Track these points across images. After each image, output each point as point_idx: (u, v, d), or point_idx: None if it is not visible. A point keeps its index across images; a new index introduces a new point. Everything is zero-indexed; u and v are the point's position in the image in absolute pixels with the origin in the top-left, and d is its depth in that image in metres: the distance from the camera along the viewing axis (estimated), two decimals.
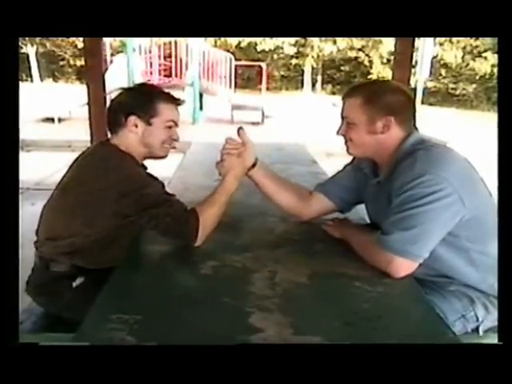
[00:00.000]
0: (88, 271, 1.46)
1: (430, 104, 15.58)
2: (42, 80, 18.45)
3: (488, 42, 15.50)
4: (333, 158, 5.74)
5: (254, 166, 1.52)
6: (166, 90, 1.56)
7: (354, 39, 17.11)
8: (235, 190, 1.48)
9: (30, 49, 17.70)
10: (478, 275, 1.33)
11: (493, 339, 1.32)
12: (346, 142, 1.42)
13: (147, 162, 1.56)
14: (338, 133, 1.42)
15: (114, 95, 1.57)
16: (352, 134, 1.37)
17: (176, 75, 9.81)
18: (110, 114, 1.51)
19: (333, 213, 1.62)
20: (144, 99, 1.47)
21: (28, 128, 6.87)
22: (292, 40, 17.78)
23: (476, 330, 1.35)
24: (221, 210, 1.44)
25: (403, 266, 1.22)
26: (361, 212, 1.64)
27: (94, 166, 1.43)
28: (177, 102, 1.52)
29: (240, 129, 1.47)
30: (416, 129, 1.38)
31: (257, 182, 1.56)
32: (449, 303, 1.30)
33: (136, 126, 1.46)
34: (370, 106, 1.32)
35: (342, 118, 1.41)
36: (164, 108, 1.48)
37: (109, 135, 1.54)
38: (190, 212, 1.38)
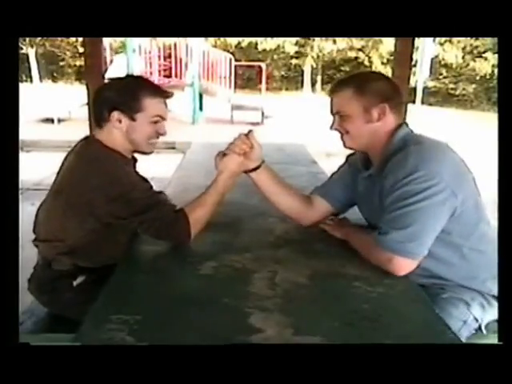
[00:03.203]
0: (89, 269, 1.46)
1: (430, 104, 15.57)
2: (41, 80, 18.45)
3: (488, 41, 15.50)
4: (333, 158, 5.73)
5: (257, 168, 1.50)
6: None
7: (353, 39, 17.11)
8: (229, 190, 1.46)
9: (29, 49, 17.69)
10: (470, 270, 1.34)
11: (493, 339, 1.32)
12: (341, 137, 1.41)
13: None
14: (331, 128, 1.41)
15: None
16: (348, 126, 1.36)
17: (176, 75, 9.80)
18: (95, 107, 1.44)
19: (330, 216, 1.61)
20: (128, 94, 1.40)
21: (28, 128, 6.87)
22: (293, 39, 17.77)
23: (479, 329, 1.35)
24: (211, 210, 1.42)
25: (404, 265, 1.22)
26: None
27: (80, 168, 1.39)
28: (164, 95, 1.45)
29: (250, 131, 1.46)
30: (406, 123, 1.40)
31: (258, 184, 1.54)
32: (447, 313, 1.27)
33: (120, 121, 1.40)
34: (363, 96, 1.32)
35: (333, 113, 1.40)
36: (150, 103, 1.40)
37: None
38: (179, 213, 1.37)
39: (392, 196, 1.25)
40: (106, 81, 3.30)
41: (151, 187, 1.43)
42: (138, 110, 1.40)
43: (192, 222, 1.36)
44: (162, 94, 1.45)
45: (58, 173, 1.49)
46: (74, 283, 1.46)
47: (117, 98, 1.40)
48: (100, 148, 1.41)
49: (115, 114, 1.40)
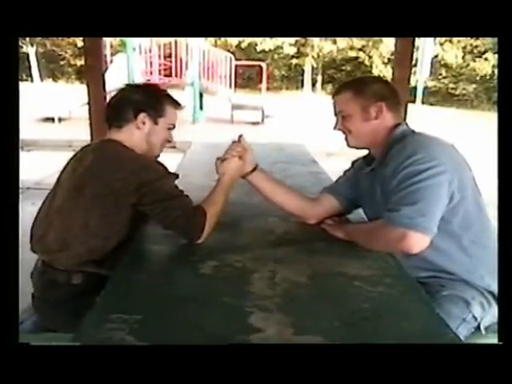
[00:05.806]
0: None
1: (431, 104, 15.58)
2: (42, 80, 18.45)
3: (488, 41, 15.50)
4: (333, 158, 5.74)
5: (253, 170, 1.57)
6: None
7: (354, 39, 17.11)
8: (231, 191, 1.51)
9: (30, 49, 17.70)
10: (470, 264, 1.36)
11: (493, 339, 1.32)
12: (345, 137, 1.49)
13: None
14: (334, 128, 1.50)
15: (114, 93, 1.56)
16: (349, 125, 1.45)
17: (176, 75, 9.81)
18: (115, 108, 1.51)
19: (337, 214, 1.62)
20: (154, 99, 1.51)
21: (28, 128, 6.88)
22: (292, 40, 17.77)
23: (478, 328, 1.36)
24: (221, 209, 1.45)
25: (417, 240, 1.24)
26: (361, 212, 1.64)
27: (109, 158, 1.42)
28: (180, 107, 1.58)
29: (240, 136, 1.54)
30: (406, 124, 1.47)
31: (257, 185, 1.60)
32: (446, 310, 1.28)
33: (144, 123, 1.48)
34: (361, 97, 1.43)
35: (336, 114, 1.50)
36: (169, 110, 1.53)
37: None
38: (197, 209, 1.39)
39: (396, 179, 1.30)
40: (105, 79, 3.31)
41: (177, 177, 1.47)
42: (161, 115, 1.51)
43: (208, 219, 1.38)
44: (178, 105, 1.58)
45: (62, 172, 1.49)
46: (98, 299, 1.40)
47: (145, 101, 1.49)
48: (119, 146, 1.46)
49: (142, 116, 1.48)
